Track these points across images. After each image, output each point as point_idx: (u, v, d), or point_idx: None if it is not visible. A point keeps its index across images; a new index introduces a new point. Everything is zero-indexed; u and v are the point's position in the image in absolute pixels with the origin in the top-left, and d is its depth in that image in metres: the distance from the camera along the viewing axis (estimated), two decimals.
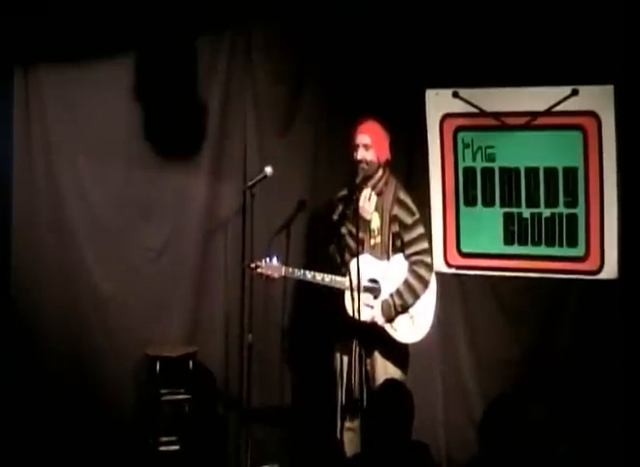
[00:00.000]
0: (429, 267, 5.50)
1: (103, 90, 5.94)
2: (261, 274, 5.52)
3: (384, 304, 5.41)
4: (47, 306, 5.94)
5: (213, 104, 6.08)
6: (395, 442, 4.26)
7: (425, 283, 5.46)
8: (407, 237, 5.46)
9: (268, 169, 5.66)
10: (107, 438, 5.90)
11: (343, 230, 5.52)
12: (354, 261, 5.29)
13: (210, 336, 6.12)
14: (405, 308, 5.42)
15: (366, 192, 5.45)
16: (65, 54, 5.84)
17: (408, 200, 5.51)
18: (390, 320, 5.42)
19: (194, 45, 6.00)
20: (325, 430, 5.65)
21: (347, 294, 5.33)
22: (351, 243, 5.42)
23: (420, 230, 5.50)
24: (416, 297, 5.44)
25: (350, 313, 5.30)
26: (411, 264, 5.46)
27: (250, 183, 5.69)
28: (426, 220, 5.80)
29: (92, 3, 5.79)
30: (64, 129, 5.92)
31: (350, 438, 5.49)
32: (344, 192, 5.59)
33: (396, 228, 5.47)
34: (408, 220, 5.47)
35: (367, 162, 5.44)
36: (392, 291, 5.42)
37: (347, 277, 5.31)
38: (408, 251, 5.46)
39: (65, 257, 5.96)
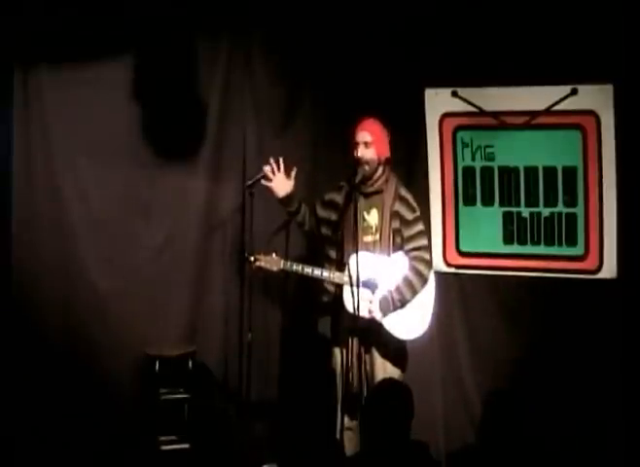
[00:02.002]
0: (428, 263, 5.50)
1: (103, 91, 5.94)
2: (260, 268, 5.52)
3: (383, 299, 5.41)
4: (47, 306, 5.94)
5: (213, 104, 6.10)
6: (394, 440, 4.26)
7: (424, 279, 5.47)
8: (406, 233, 5.47)
9: (268, 169, 5.66)
10: (106, 437, 5.90)
11: (322, 213, 5.57)
12: (353, 258, 5.29)
13: (209, 335, 6.13)
14: (403, 304, 5.43)
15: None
16: (65, 55, 5.84)
17: (409, 197, 5.52)
18: (388, 315, 5.42)
19: (193, 45, 6.01)
20: (324, 430, 5.64)
21: (346, 290, 5.34)
22: (328, 232, 5.50)
23: (420, 226, 5.51)
24: (415, 293, 5.44)
25: (349, 309, 5.31)
26: (411, 259, 5.46)
27: (249, 182, 5.69)
28: (425, 219, 5.80)
29: (92, 3, 5.80)
30: (64, 130, 5.92)
31: (350, 437, 5.48)
32: (343, 183, 5.58)
33: (396, 224, 5.47)
34: (409, 216, 5.48)
35: (367, 161, 5.44)
36: (391, 287, 5.43)
37: (346, 272, 5.32)
38: (408, 247, 5.47)
39: (65, 257, 5.96)
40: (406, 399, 4.34)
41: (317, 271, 5.48)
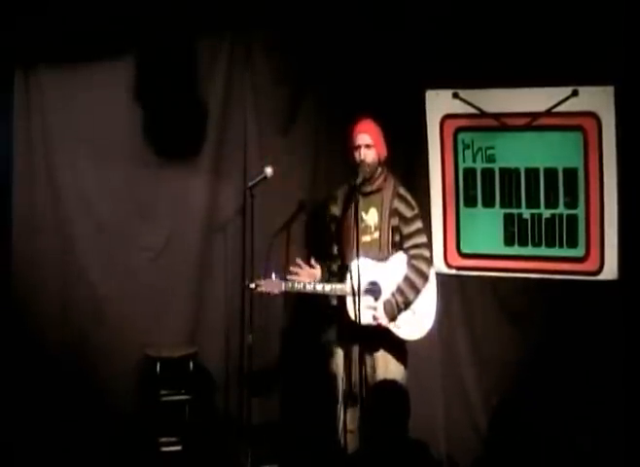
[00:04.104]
0: (428, 260, 5.50)
1: (103, 91, 5.94)
2: (261, 293, 5.47)
3: (387, 303, 5.41)
4: (47, 307, 5.94)
5: (213, 104, 6.09)
6: (392, 439, 4.28)
7: (425, 277, 5.46)
8: (406, 230, 5.47)
9: (268, 170, 5.66)
10: (107, 438, 5.90)
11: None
12: (354, 264, 5.28)
13: (210, 336, 6.12)
14: (407, 305, 5.42)
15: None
16: (66, 55, 5.84)
17: (408, 195, 5.52)
18: (393, 318, 5.41)
19: (194, 45, 6.01)
20: (325, 431, 5.64)
21: (349, 299, 5.33)
22: (334, 250, 5.51)
23: (419, 224, 5.51)
24: (417, 292, 5.44)
25: (352, 317, 5.30)
26: (410, 258, 5.46)
27: (250, 184, 5.69)
28: (426, 221, 5.80)
29: (93, 3, 5.79)
30: (64, 130, 5.92)
31: (350, 439, 5.46)
32: (338, 192, 5.58)
33: (395, 221, 5.47)
34: (408, 213, 5.48)
35: (369, 163, 5.43)
36: (393, 289, 5.42)
37: (347, 283, 5.31)
38: (407, 244, 5.47)
39: (65, 257, 5.96)
40: (402, 398, 4.36)
41: (319, 287, 5.43)
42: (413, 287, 5.43)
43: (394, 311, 5.40)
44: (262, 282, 5.45)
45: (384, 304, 5.40)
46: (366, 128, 5.48)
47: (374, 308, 5.40)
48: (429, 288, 5.51)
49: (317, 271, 5.52)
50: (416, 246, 5.47)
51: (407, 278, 5.43)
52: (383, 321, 5.39)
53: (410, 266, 5.45)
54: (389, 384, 4.64)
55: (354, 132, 5.48)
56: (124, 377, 5.97)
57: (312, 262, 5.49)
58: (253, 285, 5.45)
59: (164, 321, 6.07)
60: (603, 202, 5.66)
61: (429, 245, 5.63)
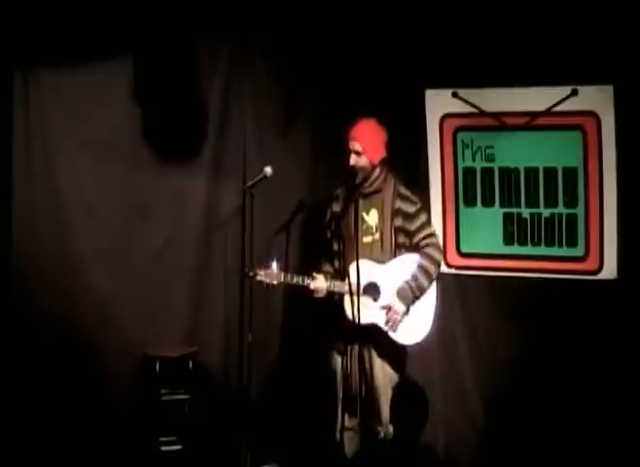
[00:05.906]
0: (438, 247, 5.52)
1: (103, 91, 5.94)
2: (260, 282, 5.47)
3: (401, 290, 5.40)
4: (46, 307, 5.93)
5: (213, 104, 6.10)
6: (407, 443, 4.32)
7: (437, 264, 5.48)
8: (412, 227, 5.47)
9: (268, 170, 5.66)
10: (107, 438, 5.91)
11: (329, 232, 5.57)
12: (353, 264, 5.28)
13: (210, 336, 6.13)
14: (421, 292, 5.42)
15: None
16: (65, 55, 5.84)
17: (409, 193, 5.52)
18: (409, 305, 5.39)
19: (194, 45, 6.01)
20: (325, 430, 5.65)
21: (347, 298, 5.33)
22: (335, 247, 5.49)
23: (424, 217, 5.52)
24: (431, 278, 5.44)
25: (349, 317, 5.30)
26: (422, 248, 5.47)
27: (250, 183, 5.69)
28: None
29: (93, 4, 5.79)
30: (64, 130, 5.92)
31: (350, 437, 5.50)
32: (339, 191, 5.59)
33: (399, 221, 5.46)
34: (411, 209, 5.47)
35: (359, 168, 5.43)
36: (406, 278, 5.40)
37: (346, 281, 5.31)
38: (416, 238, 5.47)
39: (65, 257, 5.95)
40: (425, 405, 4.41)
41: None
42: (426, 273, 5.43)
43: (408, 297, 5.39)
44: (261, 272, 5.46)
45: (398, 291, 5.39)
46: (357, 135, 5.44)
47: (372, 309, 5.37)
48: (429, 293, 5.49)
49: (322, 283, 5.47)
50: (426, 237, 5.48)
51: (420, 266, 5.43)
52: (399, 308, 5.37)
53: (423, 254, 5.45)
54: (414, 390, 4.64)
55: (347, 137, 5.47)
56: (124, 377, 5.98)
57: (314, 274, 5.49)
58: (251, 274, 5.45)
59: (164, 321, 6.07)
60: (603, 202, 5.67)
61: (437, 235, 5.63)
